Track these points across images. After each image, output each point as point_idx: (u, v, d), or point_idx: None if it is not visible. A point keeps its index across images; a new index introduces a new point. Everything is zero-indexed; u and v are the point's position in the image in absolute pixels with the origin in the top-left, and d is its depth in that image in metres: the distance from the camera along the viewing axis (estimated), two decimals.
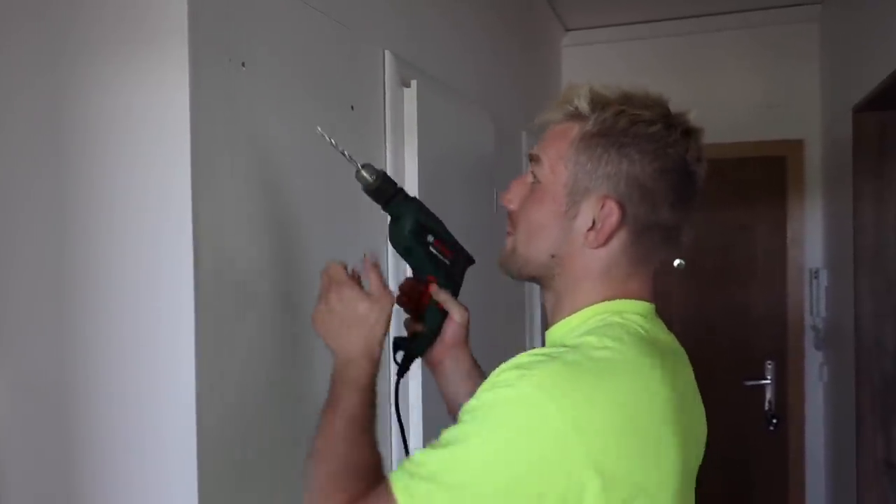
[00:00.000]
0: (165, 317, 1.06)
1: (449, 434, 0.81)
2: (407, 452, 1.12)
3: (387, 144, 1.65)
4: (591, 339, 0.84)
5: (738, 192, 3.39)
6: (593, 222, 0.89)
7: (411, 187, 1.71)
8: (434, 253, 1.10)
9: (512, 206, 0.98)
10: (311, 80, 1.36)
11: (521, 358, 0.83)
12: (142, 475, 1.08)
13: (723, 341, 3.42)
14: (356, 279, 1.02)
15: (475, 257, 1.15)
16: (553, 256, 0.93)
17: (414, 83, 1.72)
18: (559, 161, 0.91)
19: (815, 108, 3.35)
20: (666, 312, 0.96)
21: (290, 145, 1.25)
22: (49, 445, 1.13)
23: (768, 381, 3.33)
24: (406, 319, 1.14)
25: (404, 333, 1.13)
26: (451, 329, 1.12)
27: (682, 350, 0.96)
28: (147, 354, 1.07)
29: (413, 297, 1.11)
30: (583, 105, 0.90)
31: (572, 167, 0.91)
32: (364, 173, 1.05)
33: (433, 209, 1.10)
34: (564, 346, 0.85)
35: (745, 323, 3.42)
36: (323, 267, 1.02)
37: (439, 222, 1.11)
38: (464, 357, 1.14)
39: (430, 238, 1.10)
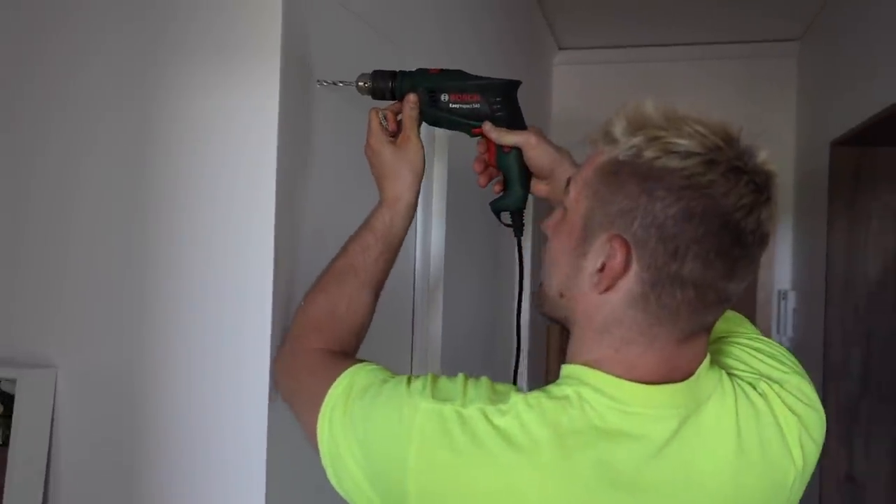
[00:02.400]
0: (242, 320, 1.06)
1: (393, 384, 0.82)
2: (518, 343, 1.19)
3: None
4: (519, 404, 0.74)
5: None
6: (602, 264, 0.75)
7: (440, 185, 1.76)
8: (458, 107, 1.07)
9: (548, 233, 0.88)
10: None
11: (472, 388, 0.79)
12: (210, 478, 1.08)
13: None
14: (395, 124, 1.08)
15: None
16: (562, 296, 0.82)
17: None
18: (584, 189, 0.79)
19: (789, 139, 3.48)
20: None
21: (357, 159, 1.28)
22: (114, 448, 1.11)
23: None
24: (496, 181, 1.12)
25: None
26: (531, 154, 1.07)
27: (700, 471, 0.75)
28: (221, 358, 1.07)
29: (484, 159, 1.10)
30: (618, 127, 0.76)
31: (592, 197, 0.78)
32: (360, 84, 1.09)
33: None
34: (524, 394, 0.77)
35: None
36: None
37: (446, 74, 1.08)
38: (566, 164, 1.07)
39: (445, 97, 1.06)
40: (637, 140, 0.74)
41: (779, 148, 3.48)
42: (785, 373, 0.86)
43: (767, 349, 0.90)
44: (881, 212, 2.79)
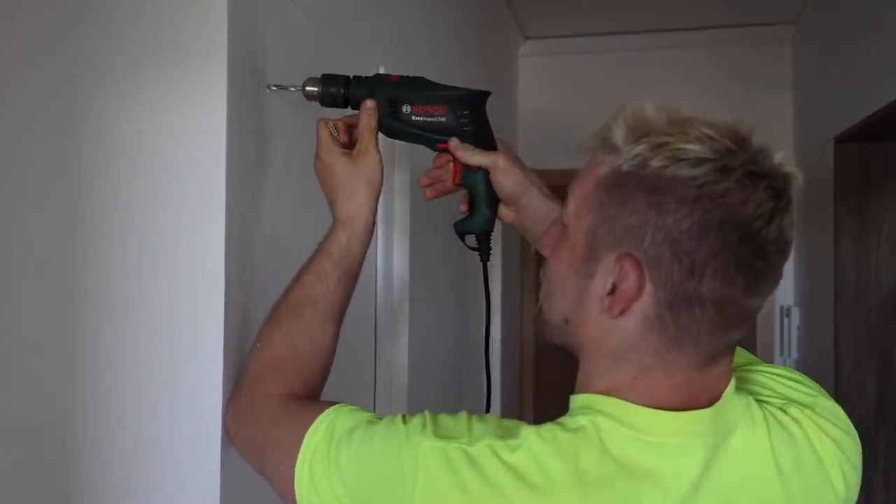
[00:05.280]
0: (188, 362, 1.07)
1: (376, 427, 0.84)
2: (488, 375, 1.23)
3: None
4: (531, 437, 0.76)
5: None
6: (613, 286, 0.77)
7: (402, 199, 1.80)
8: (421, 120, 1.10)
9: (545, 252, 0.90)
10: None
11: (478, 425, 0.80)
12: None
13: None
14: (347, 135, 1.11)
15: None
16: (567, 322, 0.84)
17: None
18: (584, 203, 0.81)
19: (787, 135, 3.56)
20: None
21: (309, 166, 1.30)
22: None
23: None
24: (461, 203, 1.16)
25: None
26: (498, 178, 1.11)
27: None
28: (166, 401, 1.07)
29: (446, 176, 1.13)
30: (617, 134, 0.78)
31: (595, 213, 0.79)
32: (308, 89, 1.11)
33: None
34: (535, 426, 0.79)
35: None
36: None
37: (408, 83, 1.10)
38: (533, 192, 1.12)
39: (407, 108, 1.09)
40: (641, 148, 0.76)
41: (776, 146, 3.55)
42: (813, 396, 0.88)
43: (789, 374, 0.93)
44: (894, 215, 2.88)
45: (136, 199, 1.09)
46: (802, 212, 3.18)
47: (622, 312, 0.77)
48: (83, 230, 1.10)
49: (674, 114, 0.78)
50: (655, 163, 0.75)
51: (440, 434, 0.78)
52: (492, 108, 1.15)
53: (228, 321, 1.06)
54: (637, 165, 0.76)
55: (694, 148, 0.74)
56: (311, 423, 0.87)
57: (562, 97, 3.66)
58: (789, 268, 3.52)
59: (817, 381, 0.92)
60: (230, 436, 1.02)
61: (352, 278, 1.06)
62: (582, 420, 0.78)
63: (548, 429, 0.78)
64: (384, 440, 0.81)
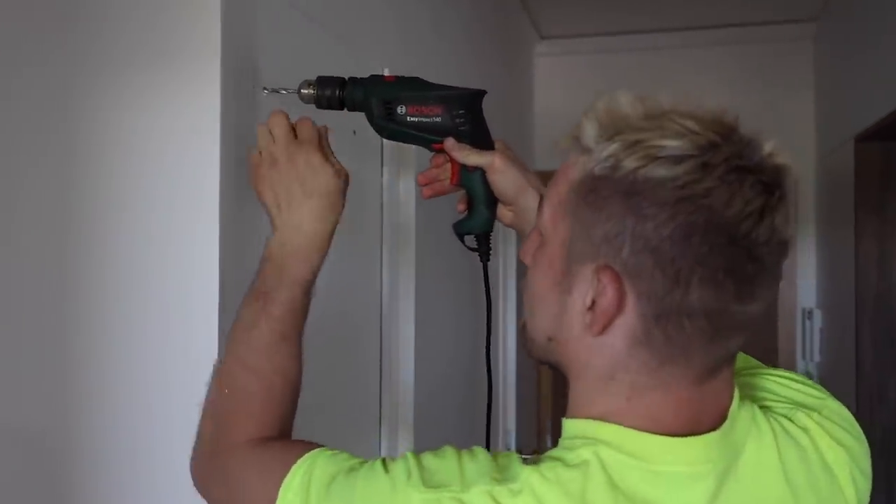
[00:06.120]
0: (187, 360, 1.07)
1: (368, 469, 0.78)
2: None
3: (384, 169, 1.71)
4: (532, 479, 0.70)
5: None
6: (592, 301, 0.71)
7: (408, 212, 1.79)
8: (416, 121, 1.10)
9: (526, 261, 0.84)
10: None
11: (469, 463, 0.74)
12: None
13: None
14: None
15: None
16: (550, 339, 0.78)
17: None
18: (559, 209, 0.75)
19: (809, 135, 3.54)
20: None
21: None
22: None
23: None
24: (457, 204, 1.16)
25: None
26: (494, 178, 1.10)
27: None
28: (161, 402, 1.08)
29: (443, 176, 1.14)
30: (588, 132, 0.72)
31: (570, 221, 0.74)
32: (303, 92, 1.12)
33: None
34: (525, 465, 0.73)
35: None
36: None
37: (403, 83, 1.11)
38: (530, 193, 1.09)
39: (402, 109, 1.09)
40: (614, 147, 0.70)
41: (795, 145, 3.53)
42: (820, 399, 0.84)
43: (795, 377, 0.88)
44: None
45: (131, 200, 1.09)
46: (823, 212, 3.16)
47: (604, 329, 0.71)
48: (76, 231, 1.10)
49: (652, 106, 0.71)
50: (629, 163, 0.68)
51: (429, 482, 0.72)
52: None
53: (224, 322, 1.05)
54: (610, 167, 0.69)
55: (672, 144, 0.67)
56: (285, 474, 0.80)
57: (578, 97, 3.58)
58: (811, 270, 3.50)
59: (839, 386, 0.89)
60: (200, 492, 0.94)
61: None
62: (584, 453, 0.72)
63: (548, 466, 0.71)
64: (367, 494, 0.75)
